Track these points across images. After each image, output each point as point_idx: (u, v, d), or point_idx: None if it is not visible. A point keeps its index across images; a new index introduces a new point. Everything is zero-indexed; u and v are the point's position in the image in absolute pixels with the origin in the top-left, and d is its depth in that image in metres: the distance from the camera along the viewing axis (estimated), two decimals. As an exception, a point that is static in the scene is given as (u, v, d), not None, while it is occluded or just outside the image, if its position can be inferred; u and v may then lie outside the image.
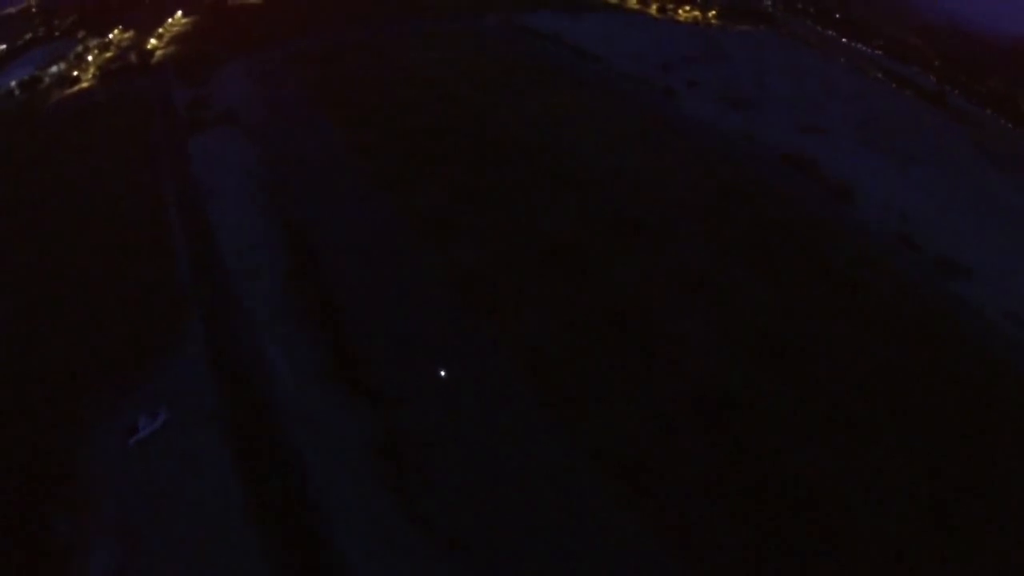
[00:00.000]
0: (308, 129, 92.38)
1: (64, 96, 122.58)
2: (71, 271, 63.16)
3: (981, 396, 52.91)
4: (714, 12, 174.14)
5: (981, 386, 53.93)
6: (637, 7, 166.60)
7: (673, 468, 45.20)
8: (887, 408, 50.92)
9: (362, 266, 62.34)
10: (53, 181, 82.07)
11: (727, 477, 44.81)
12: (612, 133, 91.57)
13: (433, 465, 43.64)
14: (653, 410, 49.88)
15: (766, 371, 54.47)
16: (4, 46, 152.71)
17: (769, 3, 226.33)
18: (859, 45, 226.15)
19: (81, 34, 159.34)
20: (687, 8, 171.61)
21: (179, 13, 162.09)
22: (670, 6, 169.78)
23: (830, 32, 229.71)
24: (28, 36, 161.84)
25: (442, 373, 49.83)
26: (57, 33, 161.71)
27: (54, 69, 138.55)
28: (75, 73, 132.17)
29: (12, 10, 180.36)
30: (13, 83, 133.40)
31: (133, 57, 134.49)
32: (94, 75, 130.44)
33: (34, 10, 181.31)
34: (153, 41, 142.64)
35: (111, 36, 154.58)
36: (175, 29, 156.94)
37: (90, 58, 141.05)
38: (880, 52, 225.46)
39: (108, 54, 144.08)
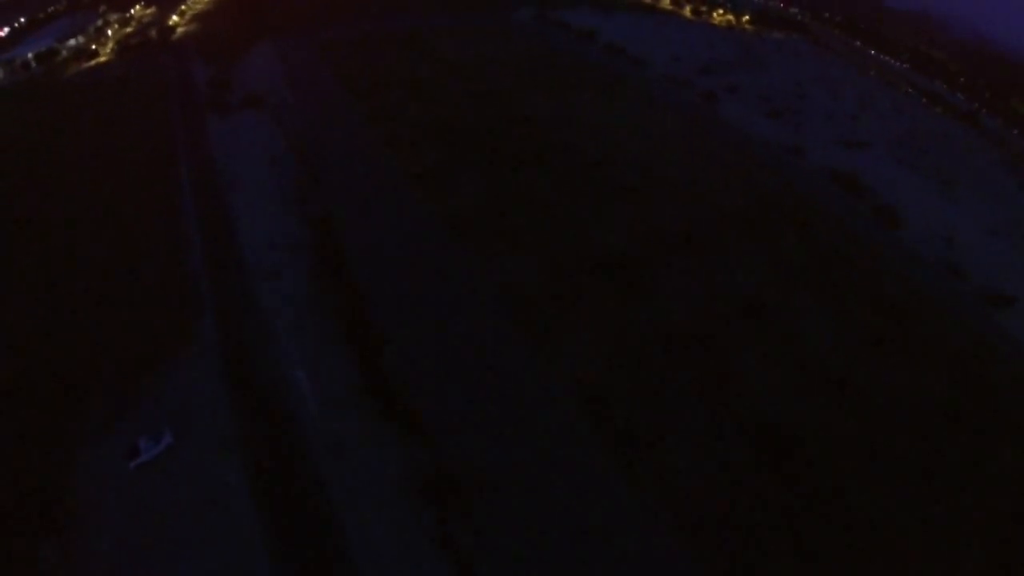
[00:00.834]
0: (337, 119, 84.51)
1: (81, 70, 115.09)
2: (73, 262, 55.54)
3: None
4: (747, 17, 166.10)
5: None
6: (671, 8, 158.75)
7: (737, 513, 38.66)
8: (940, 446, 46.27)
9: (394, 271, 54.88)
10: (60, 161, 74.53)
11: (792, 520, 38.99)
12: (654, 138, 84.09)
13: (483, 514, 36.65)
14: (717, 450, 43.19)
15: (828, 407, 48.44)
16: (23, 19, 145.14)
17: (797, 12, 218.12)
18: (886, 58, 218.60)
19: (102, 8, 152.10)
20: (720, 12, 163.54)
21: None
22: (703, 8, 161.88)
23: (857, 43, 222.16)
24: (51, 9, 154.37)
25: (488, 402, 42.76)
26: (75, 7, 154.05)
27: (72, 42, 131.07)
28: (93, 47, 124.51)
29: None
30: (30, 55, 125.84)
31: (153, 33, 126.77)
32: (112, 50, 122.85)
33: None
34: (175, 18, 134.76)
35: (132, 11, 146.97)
36: (198, 7, 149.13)
37: (109, 32, 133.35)
38: (907, 66, 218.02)
39: (128, 29, 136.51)
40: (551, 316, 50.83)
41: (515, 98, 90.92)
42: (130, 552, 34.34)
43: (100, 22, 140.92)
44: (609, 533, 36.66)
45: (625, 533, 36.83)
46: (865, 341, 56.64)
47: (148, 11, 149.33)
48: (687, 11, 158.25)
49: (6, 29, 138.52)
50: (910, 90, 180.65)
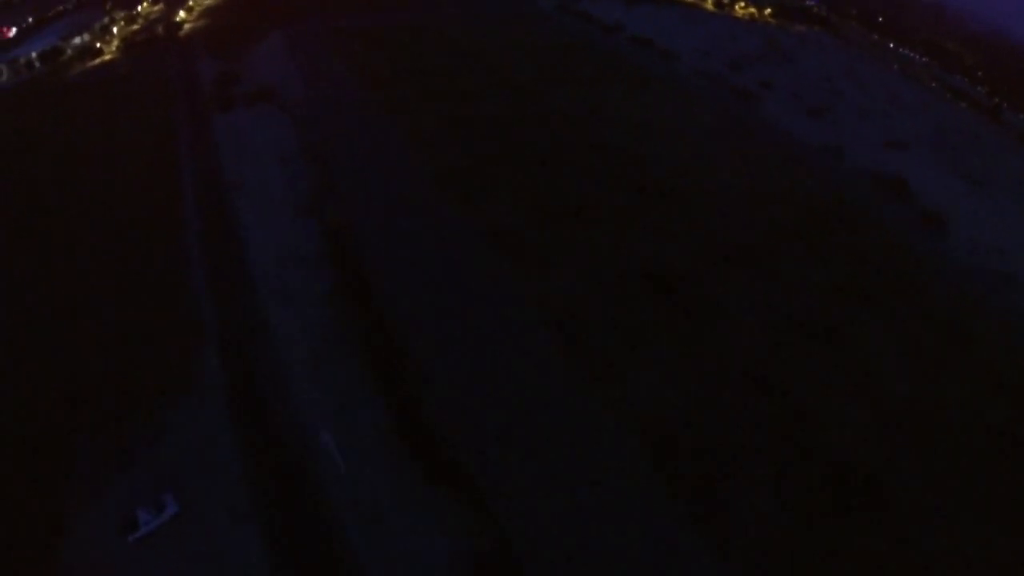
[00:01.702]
0: (355, 114, 76.27)
1: (85, 69, 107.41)
2: (62, 282, 48.24)
3: None
4: (769, 10, 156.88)
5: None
6: (693, 0, 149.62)
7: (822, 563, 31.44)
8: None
9: (425, 292, 47.11)
10: (55, 163, 66.98)
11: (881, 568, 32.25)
12: (694, 137, 75.94)
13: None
14: (797, 501, 35.98)
15: (909, 446, 41.40)
16: (31, 19, 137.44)
17: (815, 4, 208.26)
18: (904, 50, 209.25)
19: (108, 6, 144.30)
20: (742, 4, 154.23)
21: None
22: (725, 1, 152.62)
23: (875, 36, 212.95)
24: (61, 8, 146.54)
25: (546, 456, 35.01)
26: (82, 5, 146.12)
27: (77, 40, 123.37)
28: (98, 45, 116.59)
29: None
30: (34, 54, 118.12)
31: (160, 29, 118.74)
32: (118, 48, 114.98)
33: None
34: (182, 13, 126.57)
35: (139, 8, 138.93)
36: (207, 2, 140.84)
37: (115, 30, 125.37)
38: (925, 59, 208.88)
39: (134, 26, 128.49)
40: (611, 350, 43.05)
41: (543, 91, 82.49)
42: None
43: (106, 20, 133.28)
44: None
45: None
46: (934, 370, 49.57)
47: (156, 8, 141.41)
48: (709, 3, 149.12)
49: (14, 29, 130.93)
50: (932, 84, 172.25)
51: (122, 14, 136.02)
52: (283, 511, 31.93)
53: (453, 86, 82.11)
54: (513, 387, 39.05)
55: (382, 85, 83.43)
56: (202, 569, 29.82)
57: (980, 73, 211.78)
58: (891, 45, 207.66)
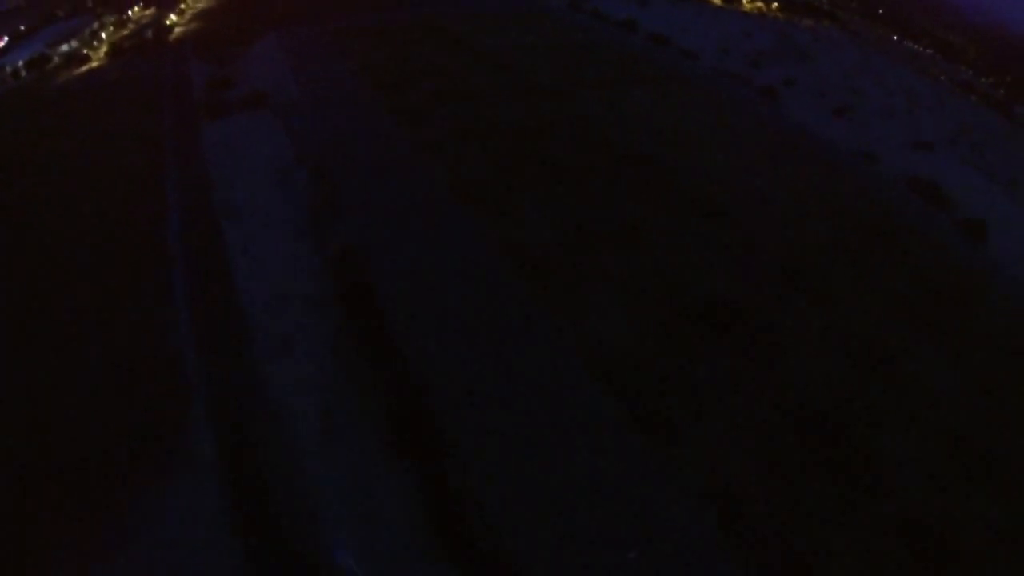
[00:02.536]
0: (359, 120, 67.88)
1: (71, 76, 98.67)
2: (17, 336, 40.23)
3: None
4: (776, 4, 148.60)
5: None
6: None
7: None
8: None
9: (451, 338, 39.28)
10: (27, 184, 58.72)
11: None
12: (727, 144, 67.82)
13: None
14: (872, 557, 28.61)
15: (982, 498, 33.93)
16: (23, 27, 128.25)
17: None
18: (909, 44, 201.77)
19: (99, 11, 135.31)
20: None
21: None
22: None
23: (879, 29, 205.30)
24: (59, 13, 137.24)
25: (630, 556, 27.37)
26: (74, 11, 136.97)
27: (64, 47, 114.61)
28: (85, 51, 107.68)
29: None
30: (20, 62, 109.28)
31: (149, 34, 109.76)
32: (106, 53, 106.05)
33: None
34: (173, 17, 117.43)
35: (130, 13, 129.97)
36: (200, 5, 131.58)
37: (104, 35, 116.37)
38: (929, 52, 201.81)
39: (124, 31, 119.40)
40: (669, 405, 35.34)
41: (563, 94, 73.87)
42: None
43: (96, 25, 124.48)
44: None
45: None
46: (1000, 407, 42.16)
47: (147, 12, 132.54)
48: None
49: (5, 38, 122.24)
50: (941, 78, 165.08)
51: (112, 18, 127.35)
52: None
53: (465, 89, 73.45)
54: (567, 461, 31.16)
55: (387, 89, 74.91)
56: None
57: (984, 65, 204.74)
58: (894, 38, 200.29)
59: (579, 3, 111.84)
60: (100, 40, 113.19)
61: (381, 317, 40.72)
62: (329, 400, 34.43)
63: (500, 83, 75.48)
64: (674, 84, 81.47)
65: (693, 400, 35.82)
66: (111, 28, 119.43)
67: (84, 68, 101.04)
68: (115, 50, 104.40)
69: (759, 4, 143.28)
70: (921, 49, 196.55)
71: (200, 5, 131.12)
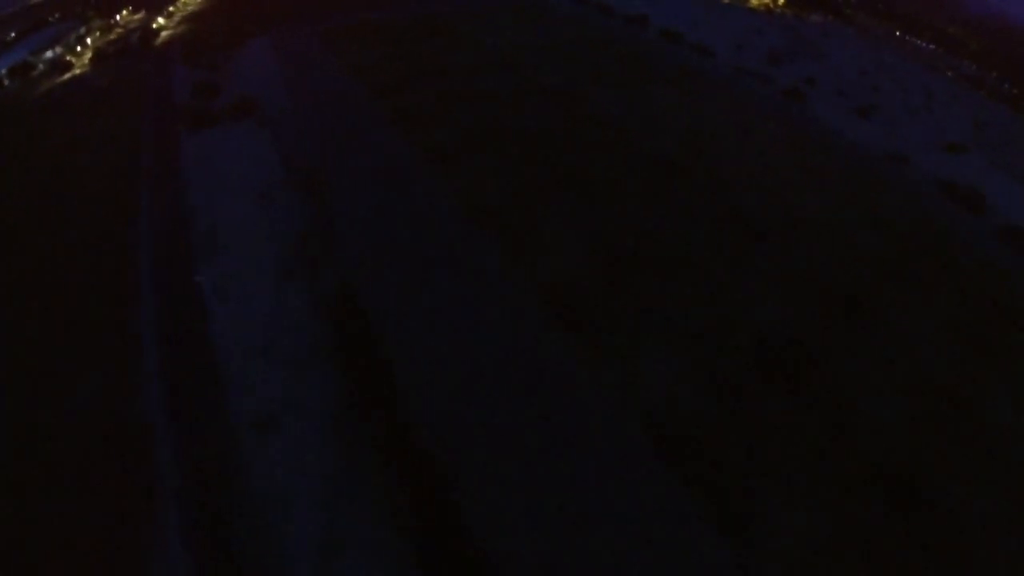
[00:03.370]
0: (357, 130, 60.05)
1: (52, 85, 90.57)
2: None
3: None
4: (783, 1, 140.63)
5: None
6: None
7: None
8: None
9: (473, 405, 32.03)
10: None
11: None
12: (756, 150, 60.55)
13: None
14: None
15: None
16: (13, 34, 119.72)
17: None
18: (912, 38, 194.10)
19: (90, 15, 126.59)
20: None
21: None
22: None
23: (882, 23, 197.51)
24: (49, 18, 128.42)
25: None
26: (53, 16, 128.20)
27: (49, 54, 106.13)
28: (68, 58, 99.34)
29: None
30: (3, 71, 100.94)
31: (135, 39, 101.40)
32: (90, 59, 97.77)
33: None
34: (160, 20, 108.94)
35: (118, 17, 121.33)
36: (190, 8, 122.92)
37: (89, 41, 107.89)
38: (932, 46, 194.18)
39: (111, 36, 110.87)
40: (732, 474, 28.36)
41: (579, 95, 66.03)
42: None
43: (83, 30, 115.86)
44: None
45: None
46: None
47: (135, 16, 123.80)
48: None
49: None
50: (948, 73, 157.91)
51: (99, 23, 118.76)
52: None
53: (472, 91, 65.57)
54: (632, 551, 24.14)
55: (388, 92, 67.16)
56: None
57: (987, 58, 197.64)
58: (898, 32, 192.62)
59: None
60: (85, 45, 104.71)
61: (391, 378, 33.32)
62: (328, 495, 27.23)
63: (511, 84, 67.36)
64: (694, 83, 73.76)
65: (753, 463, 28.76)
66: (97, 33, 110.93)
67: (67, 76, 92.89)
68: (99, 56, 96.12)
69: (765, 0, 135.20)
70: (923, 43, 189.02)
71: (191, 8, 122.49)
